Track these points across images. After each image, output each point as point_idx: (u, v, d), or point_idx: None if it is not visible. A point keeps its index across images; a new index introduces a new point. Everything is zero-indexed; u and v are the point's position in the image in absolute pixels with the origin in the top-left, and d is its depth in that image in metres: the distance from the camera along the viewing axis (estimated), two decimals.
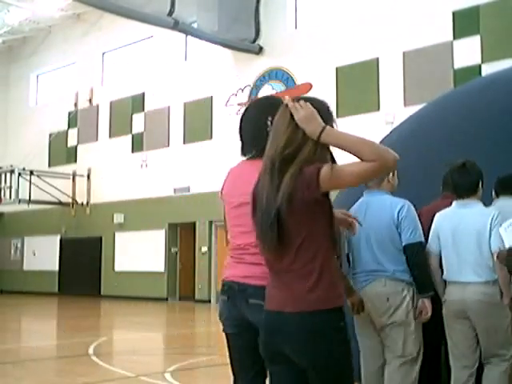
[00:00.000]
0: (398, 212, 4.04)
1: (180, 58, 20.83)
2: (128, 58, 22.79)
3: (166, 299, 20.09)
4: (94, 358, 8.03)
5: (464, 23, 14.70)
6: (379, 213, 4.08)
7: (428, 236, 4.23)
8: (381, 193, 4.17)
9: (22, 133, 25.78)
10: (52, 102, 25.24)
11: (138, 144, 21.53)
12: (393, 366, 4.04)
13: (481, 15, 14.48)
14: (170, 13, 16.56)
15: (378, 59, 16.11)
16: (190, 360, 8.20)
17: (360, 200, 4.25)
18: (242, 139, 2.97)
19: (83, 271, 22.66)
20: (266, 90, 18.34)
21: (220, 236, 19.32)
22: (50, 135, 24.62)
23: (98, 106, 23.18)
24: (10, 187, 22.09)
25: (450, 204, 4.25)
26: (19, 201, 21.99)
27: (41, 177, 22.33)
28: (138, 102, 21.70)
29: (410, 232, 4.00)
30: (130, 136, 21.86)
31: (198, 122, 19.81)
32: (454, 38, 14.85)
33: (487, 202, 4.37)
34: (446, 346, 4.32)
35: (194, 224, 19.74)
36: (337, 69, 16.89)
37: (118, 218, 21.51)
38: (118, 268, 21.73)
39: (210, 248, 19.30)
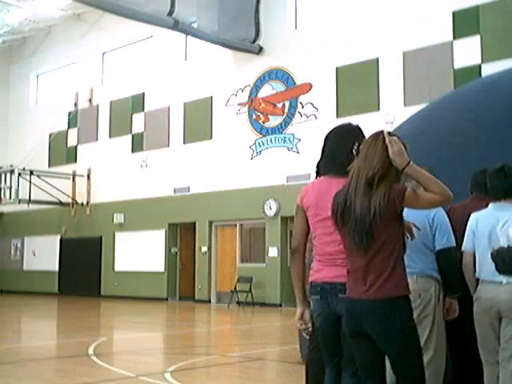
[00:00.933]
0: (433, 217, 4.29)
1: (180, 58, 20.83)
2: (128, 58, 22.78)
3: (166, 299, 20.10)
4: (94, 358, 8.03)
5: (464, 23, 14.70)
6: (414, 213, 4.20)
7: (455, 233, 4.39)
8: None
9: (22, 133, 25.78)
10: (52, 101, 25.25)
11: (137, 144, 21.53)
12: None
13: (481, 15, 14.48)
14: (170, 13, 16.56)
15: (377, 59, 16.11)
16: (190, 360, 8.20)
17: None
18: (326, 159, 3.56)
19: (83, 271, 22.66)
20: (266, 90, 18.35)
21: (220, 236, 19.33)
22: (50, 135, 24.63)
23: (97, 106, 23.19)
24: (10, 187, 22.09)
25: (486, 206, 4.36)
26: (19, 201, 22.00)
27: (41, 177, 22.34)
28: (138, 102, 21.71)
29: (444, 237, 4.24)
30: (129, 136, 21.87)
31: (198, 121, 19.82)
32: (454, 37, 14.85)
33: None
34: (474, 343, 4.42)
35: (194, 224, 19.75)
36: (337, 69, 16.89)
37: (118, 217, 21.52)
38: (117, 268, 21.73)
39: (209, 248, 19.31)
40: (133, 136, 21.77)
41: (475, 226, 4.31)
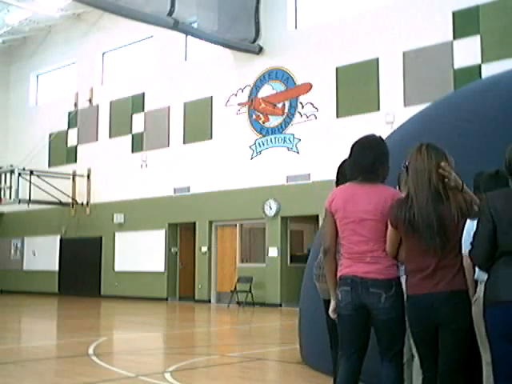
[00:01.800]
0: None
1: (180, 58, 20.83)
2: (128, 58, 22.79)
3: (166, 299, 20.10)
4: (94, 358, 8.03)
5: (464, 23, 14.70)
6: None
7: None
8: None
9: (22, 133, 25.79)
10: (52, 101, 25.25)
11: (137, 144, 21.53)
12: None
13: (481, 15, 14.48)
14: (170, 13, 16.55)
15: (377, 59, 16.11)
16: (190, 360, 8.20)
17: None
18: (352, 166, 3.90)
19: (83, 271, 22.66)
20: (266, 90, 18.35)
21: (220, 236, 19.34)
22: (50, 135, 24.63)
23: (97, 106, 23.19)
24: (10, 187, 22.09)
25: None
26: (19, 201, 22.00)
27: (41, 177, 22.34)
28: (138, 102, 21.71)
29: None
30: (129, 136, 21.87)
31: (198, 121, 19.82)
32: (454, 37, 14.85)
33: None
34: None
35: (194, 224, 19.75)
36: (337, 69, 16.89)
37: (118, 218, 21.52)
38: (117, 268, 21.73)
39: (209, 248, 19.31)
40: (133, 136, 21.77)
41: (472, 229, 4.32)
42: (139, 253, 20.92)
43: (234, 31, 18.16)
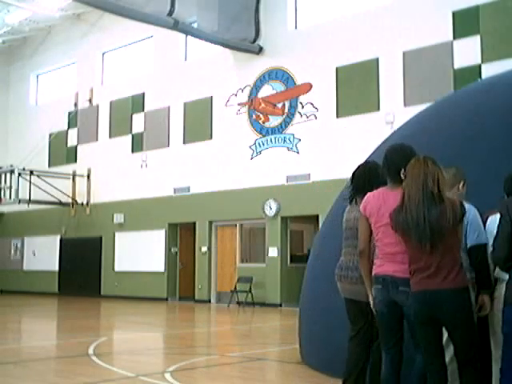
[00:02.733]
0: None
1: (180, 58, 20.83)
2: (128, 58, 22.79)
3: (166, 299, 20.10)
4: (94, 358, 8.03)
5: (464, 23, 14.70)
6: None
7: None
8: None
9: (22, 133, 25.78)
10: (52, 101, 25.25)
11: (137, 144, 21.53)
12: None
13: (481, 15, 14.48)
14: (170, 13, 16.55)
15: (377, 59, 16.11)
16: (190, 360, 8.20)
17: None
18: (393, 173, 4.18)
19: (83, 271, 22.67)
20: (266, 90, 18.35)
21: (220, 236, 19.34)
22: (50, 135, 24.63)
23: (97, 106, 23.18)
24: (10, 187, 22.09)
25: None
26: (19, 201, 22.00)
27: (41, 177, 22.34)
28: (138, 102, 21.71)
29: (475, 234, 4.28)
30: (129, 136, 21.87)
31: (198, 122, 19.82)
32: (454, 37, 14.85)
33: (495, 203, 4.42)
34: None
35: (194, 224, 19.75)
36: (337, 69, 16.89)
37: (118, 218, 21.52)
38: (118, 268, 21.73)
39: (209, 248, 19.31)
40: (133, 136, 21.77)
41: (493, 229, 4.34)
42: (139, 253, 20.92)
43: (234, 31, 18.16)
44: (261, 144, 18.27)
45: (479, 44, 14.42)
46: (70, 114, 24.04)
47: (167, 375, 6.78)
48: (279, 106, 18.07)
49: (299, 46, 17.73)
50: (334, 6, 17.45)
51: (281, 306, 17.36)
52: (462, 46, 14.68)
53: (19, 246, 25.60)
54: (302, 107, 17.52)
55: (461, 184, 4.54)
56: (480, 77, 14.08)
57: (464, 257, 4.26)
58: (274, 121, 18.11)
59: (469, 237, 4.28)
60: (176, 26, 16.95)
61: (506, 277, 3.81)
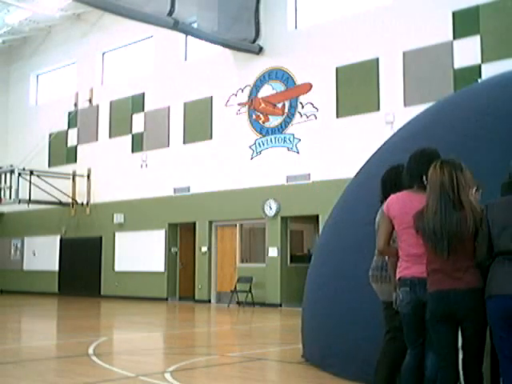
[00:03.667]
0: None
1: (180, 58, 20.83)
2: (128, 58, 22.79)
3: (166, 299, 20.10)
4: (94, 358, 8.02)
5: (464, 23, 14.70)
6: None
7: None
8: None
9: (22, 133, 25.79)
10: (52, 101, 25.25)
11: (137, 144, 21.53)
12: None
13: (481, 15, 14.48)
14: (170, 13, 16.55)
15: (377, 59, 16.11)
16: (190, 360, 8.19)
17: None
18: (409, 176, 4.34)
19: (83, 271, 22.66)
20: (266, 90, 18.35)
21: (220, 236, 19.34)
22: (50, 135, 24.63)
23: (97, 106, 23.18)
24: (10, 187, 22.08)
25: None
26: (19, 201, 21.99)
27: (41, 177, 22.34)
28: (138, 102, 21.71)
29: None
30: (129, 136, 21.86)
31: (198, 122, 19.82)
32: (454, 37, 14.84)
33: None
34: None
35: (194, 224, 19.75)
36: (337, 69, 16.89)
37: (118, 218, 21.52)
38: (118, 268, 21.73)
39: (209, 248, 19.31)
40: (133, 136, 21.77)
41: None
42: (139, 253, 20.92)
43: (234, 31, 18.16)
44: (261, 144, 18.27)
45: (479, 44, 14.42)
46: (69, 114, 24.04)
47: (167, 375, 6.78)
48: (279, 106, 18.07)
49: (299, 46, 17.72)
50: (333, 6, 17.45)
51: (281, 306, 17.36)
52: (462, 45, 14.68)
53: (19, 246, 25.60)
54: (302, 107, 17.52)
55: (474, 189, 4.60)
56: (480, 77, 14.08)
57: None
58: (274, 121, 18.11)
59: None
60: (176, 26, 16.95)
61: None
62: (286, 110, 17.89)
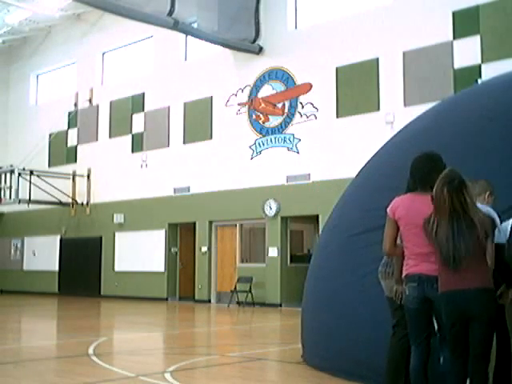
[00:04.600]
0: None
1: (180, 58, 20.83)
2: (128, 58, 22.79)
3: (166, 299, 20.10)
4: (94, 358, 8.03)
5: (464, 23, 14.69)
6: None
7: None
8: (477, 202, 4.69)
9: (22, 133, 25.79)
10: (52, 101, 25.25)
11: (137, 144, 21.53)
12: None
13: (481, 15, 14.47)
14: (170, 13, 16.55)
15: (377, 59, 16.11)
16: (190, 360, 8.20)
17: None
18: (415, 179, 4.49)
19: (83, 271, 22.66)
20: (266, 90, 18.35)
21: (220, 236, 19.33)
22: (50, 135, 24.63)
23: (97, 106, 23.18)
24: (10, 187, 22.08)
25: None
26: (19, 201, 21.99)
27: (41, 177, 22.34)
28: (138, 102, 21.70)
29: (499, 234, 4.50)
30: (129, 136, 21.86)
31: (198, 121, 19.82)
32: (454, 37, 14.84)
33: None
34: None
35: (194, 224, 19.75)
36: (337, 69, 16.89)
37: (118, 218, 21.51)
38: (118, 268, 21.73)
39: (209, 248, 19.30)
40: (133, 136, 21.77)
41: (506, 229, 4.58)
42: (139, 253, 20.92)
43: (234, 31, 18.15)
44: (261, 144, 18.27)
45: (479, 44, 14.42)
46: (70, 114, 24.04)
47: (167, 375, 6.78)
48: (279, 106, 18.07)
49: (299, 46, 17.72)
50: (334, 6, 17.44)
51: (281, 306, 17.36)
52: (462, 45, 14.68)
53: (19, 246, 25.60)
54: (302, 107, 17.51)
55: (487, 194, 4.81)
56: (480, 77, 14.08)
57: None
58: (274, 121, 18.11)
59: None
60: (176, 26, 16.94)
61: None
62: (286, 110, 17.89)
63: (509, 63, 13.17)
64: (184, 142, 20.16)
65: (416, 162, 4.53)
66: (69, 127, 24.14)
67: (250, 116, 18.65)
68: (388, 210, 4.55)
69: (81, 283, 22.65)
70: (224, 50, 18.82)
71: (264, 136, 18.23)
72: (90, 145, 23.24)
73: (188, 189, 19.85)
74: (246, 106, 18.76)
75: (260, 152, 18.27)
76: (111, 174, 22.21)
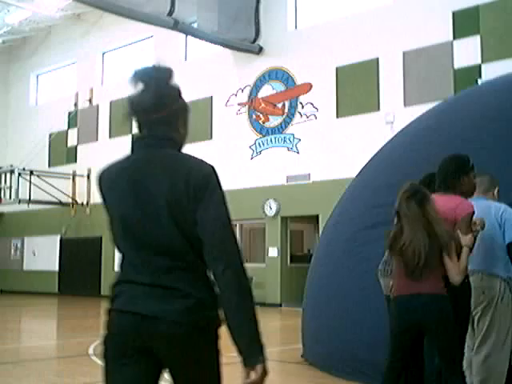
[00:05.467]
0: (502, 213, 4.55)
1: (180, 58, 20.82)
2: (128, 58, 22.79)
3: None
4: (94, 358, 8.02)
5: (464, 23, 14.69)
6: (482, 215, 4.50)
7: None
8: (485, 198, 4.71)
9: (22, 133, 25.77)
10: (52, 101, 25.24)
11: None
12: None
13: (481, 15, 14.47)
14: (170, 13, 16.55)
15: (377, 59, 16.11)
16: None
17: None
18: (439, 180, 4.52)
19: (83, 271, 22.65)
20: (266, 90, 18.35)
21: None
22: (50, 135, 24.62)
23: (97, 106, 23.18)
24: (10, 187, 22.08)
25: None
26: (19, 201, 21.99)
27: (41, 177, 22.33)
28: None
29: None
30: (129, 136, 21.86)
31: (198, 122, 19.80)
32: (454, 37, 14.84)
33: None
34: None
35: None
36: (337, 69, 16.89)
37: None
38: (117, 268, 21.67)
39: None
40: (133, 136, 21.76)
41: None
42: None
43: (234, 31, 18.15)
44: (261, 144, 18.27)
45: (479, 44, 14.42)
46: (70, 114, 24.04)
47: (167, 375, 6.77)
48: (279, 106, 18.07)
49: (299, 46, 17.72)
50: (333, 6, 17.45)
51: (281, 306, 17.35)
52: (462, 45, 14.68)
53: (19, 245, 25.59)
54: (302, 107, 17.51)
55: (495, 190, 4.80)
56: (480, 77, 14.08)
57: (503, 254, 4.48)
58: (274, 121, 18.11)
59: (506, 234, 4.46)
60: (176, 26, 16.94)
61: None
62: (286, 110, 17.89)
63: (509, 63, 13.17)
64: None
65: (442, 164, 4.57)
66: (69, 127, 24.13)
67: (250, 116, 18.65)
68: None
69: (81, 283, 22.64)
70: (224, 49, 18.82)
71: (264, 136, 18.23)
72: (90, 145, 23.23)
73: None
74: (246, 106, 18.76)
75: (260, 152, 18.27)
76: None
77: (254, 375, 2.37)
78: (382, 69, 16.02)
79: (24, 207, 22.98)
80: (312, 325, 7.17)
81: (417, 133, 7.01)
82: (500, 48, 14.03)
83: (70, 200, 22.99)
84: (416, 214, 4.12)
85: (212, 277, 2.20)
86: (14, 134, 26.23)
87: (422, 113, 7.87)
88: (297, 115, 17.62)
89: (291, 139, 17.63)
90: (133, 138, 2.43)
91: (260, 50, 18.48)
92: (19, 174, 21.88)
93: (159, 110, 2.41)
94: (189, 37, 19.65)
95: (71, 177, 23.19)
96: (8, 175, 22.30)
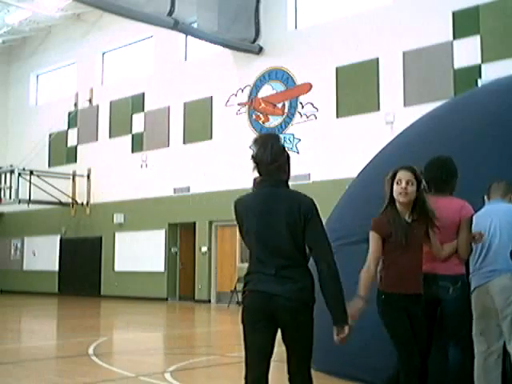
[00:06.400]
0: None
1: (180, 58, 20.83)
2: (128, 58, 22.79)
3: (166, 299, 20.09)
4: (94, 358, 8.03)
5: (464, 23, 14.69)
6: (505, 217, 4.58)
7: None
8: (504, 202, 4.72)
9: (22, 133, 25.78)
10: (52, 101, 25.25)
11: (137, 144, 21.52)
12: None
13: (481, 15, 14.48)
14: (170, 13, 16.55)
15: (377, 59, 16.11)
16: (190, 360, 8.19)
17: (484, 208, 4.78)
18: (434, 182, 4.56)
19: (83, 271, 22.66)
20: (266, 90, 18.35)
21: (220, 236, 19.33)
22: (50, 135, 24.62)
23: (97, 106, 23.18)
24: (10, 187, 22.08)
25: None
26: (19, 201, 21.99)
27: (41, 177, 22.33)
28: (138, 102, 21.70)
29: None
30: (129, 136, 21.86)
31: (198, 122, 19.81)
32: (454, 38, 14.84)
33: None
34: None
35: (194, 224, 19.74)
36: (337, 69, 16.89)
37: (118, 218, 21.51)
38: (117, 268, 21.73)
39: (209, 248, 19.30)
40: (133, 136, 21.76)
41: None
42: (139, 253, 20.91)
43: (234, 31, 18.15)
44: None
45: (479, 44, 14.42)
46: (70, 114, 24.04)
47: (167, 375, 6.78)
48: (279, 105, 18.07)
49: (299, 46, 17.72)
50: (334, 6, 17.45)
51: None
52: (462, 45, 14.68)
53: (19, 245, 25.60)
54: (302, 107, 17.51)
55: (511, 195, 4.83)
56: (480, 77, 14.08)
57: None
58: (274, 121, 18.11)
59: None
60: (176, 26, 16.95)
61: None
62: (286, 110, 17.89)
63: (509, 63, 13.18)
64: (184, 142, 20.16)
65: (428, 166, 4.63)
66: (69, 127, 24.14)
67: (250, 116, 18.65)
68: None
69: (81, 283, 22.64)
70: (224, 49, 18.82)
71: None
72: (90, 145, 23.24)
73: (188, 189, 19.85)
74: (246, 106, 18.76)
75: None
76: (111, 174, 22.20)
77: (343, 332, 3.56)
78: (381, 69, 16.03)
79: (24, 207, 22.98)
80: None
81: (417, 134, 7.01)
82: (500, 48, 14.03)
83: (70, 200, 22.99)
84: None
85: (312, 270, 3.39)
86: (14, 133, 26.23)
87: (422, 113, 7.87)
88: (297, 115, 17.62)
89: (291, 139, 17.63)
90: (255, 180, 3.52)
91: (260, 50, 18.48)
92: (19, 174, 21.88)
93: (273, 163, 3.42)
94: (189, 37, 19.65)
95: (71, 177, 23.19)
96: (8, 175, 22.30)
